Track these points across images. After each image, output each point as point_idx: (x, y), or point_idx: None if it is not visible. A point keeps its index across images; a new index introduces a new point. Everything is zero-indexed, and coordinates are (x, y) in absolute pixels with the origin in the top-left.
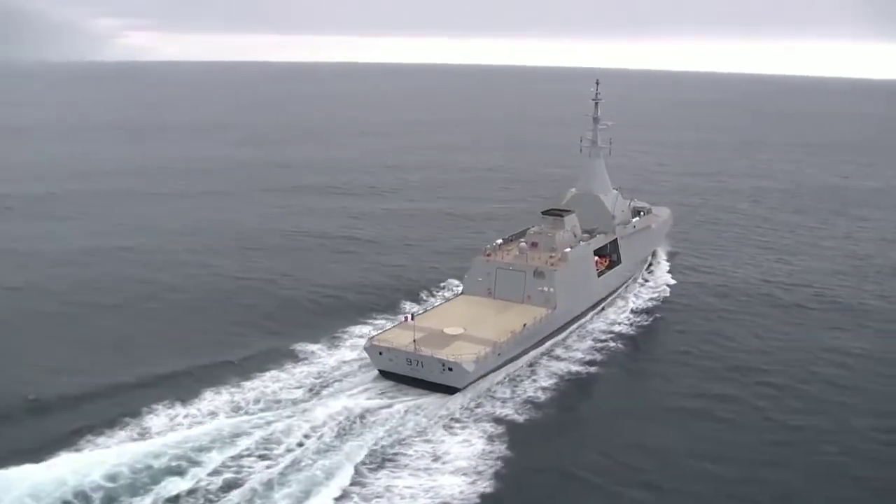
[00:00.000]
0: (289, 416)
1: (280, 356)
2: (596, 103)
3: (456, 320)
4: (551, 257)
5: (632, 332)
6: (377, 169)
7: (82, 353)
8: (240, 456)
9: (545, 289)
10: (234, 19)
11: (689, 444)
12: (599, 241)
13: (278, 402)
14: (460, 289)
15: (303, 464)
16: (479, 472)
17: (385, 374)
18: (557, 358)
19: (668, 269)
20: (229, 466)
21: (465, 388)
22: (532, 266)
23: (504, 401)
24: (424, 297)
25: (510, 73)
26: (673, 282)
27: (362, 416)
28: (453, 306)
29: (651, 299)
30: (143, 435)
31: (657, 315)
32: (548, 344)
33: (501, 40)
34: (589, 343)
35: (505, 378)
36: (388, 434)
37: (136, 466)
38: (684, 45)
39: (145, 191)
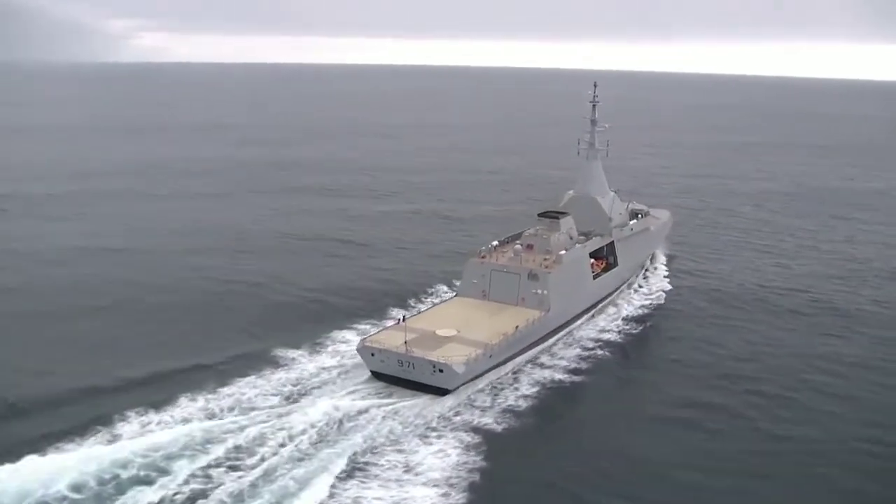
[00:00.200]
0: (263, 422)
1: (260, 361)
2: (593, 105)
3: (449, 322)
4: (545, 259)
5: (620, 340)
6: (377, 170)
7: (60, 355)
8: (211, 465)
9: (539, 291)
10: (246, 21)
11: (674, 454)
12: (595, 243)
13: (253, 408)
14: (450, 294)
15: (277, 473)
16: (452, 485)
17: (377, 376)
18: (542, 365)
19: (664, 273)
20: (199, 476)
21: (455, 389)
22: (526, 268)
23: (483, 409)
24: (412, 304)
25: (514, 74)
26: (669, 287)
27: (340, 423)
28: (447, 308)
29: (643, 306)
30: (113, 442)
31: (649, 322)
32: (541, 346)
33: (506, 42)
34: (576, 351)
35: (497, 380)
36: (365, 441)
37: (102, 477)
38: (689, 47)
39: (142, 191)
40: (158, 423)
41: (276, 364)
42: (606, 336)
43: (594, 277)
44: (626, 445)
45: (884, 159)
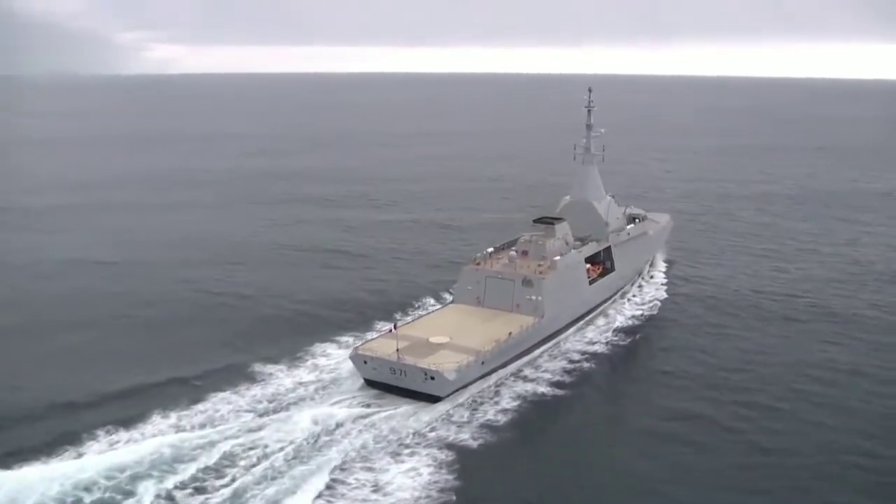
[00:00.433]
0: (234, 438)
1: (238, 376)
2: (589, 111)
3: (443, 329)
4: (540, 265)
5: (608, 352)
6: (376, 180)
7: (36, 369)
8: (177, 487)
9: (533, 297)
10: (254, 32)
11: (659, 469)
12: (591, 248)
13: (226, 425)
14: (436, 307)
15: (248, 494)
16: None
17: (370, 383)
18: (525, 378)
19: (661, 281)
20: (164, 498)
21: (447, 396)
22: (520, 274)
23: (460, 424)
24: (399, 316)
25: (519, 80)
26: (664, 296)
27: (317, 438)
28: (442, 315)
29: (634, 317)
30: (79, 460)
31: (640, 333)
32: (536, 352)
33: (522, 49)
34: (561, 363)
35: (478, 392)
36: (340, 456)
37: (65, 500)
38: (693, 50)
39: (140, 203)
40: (128, 441)
41: (253, 379)
42: (594, 348)
43: (590, 283)
44: (610, 461)
45: (888, 160)
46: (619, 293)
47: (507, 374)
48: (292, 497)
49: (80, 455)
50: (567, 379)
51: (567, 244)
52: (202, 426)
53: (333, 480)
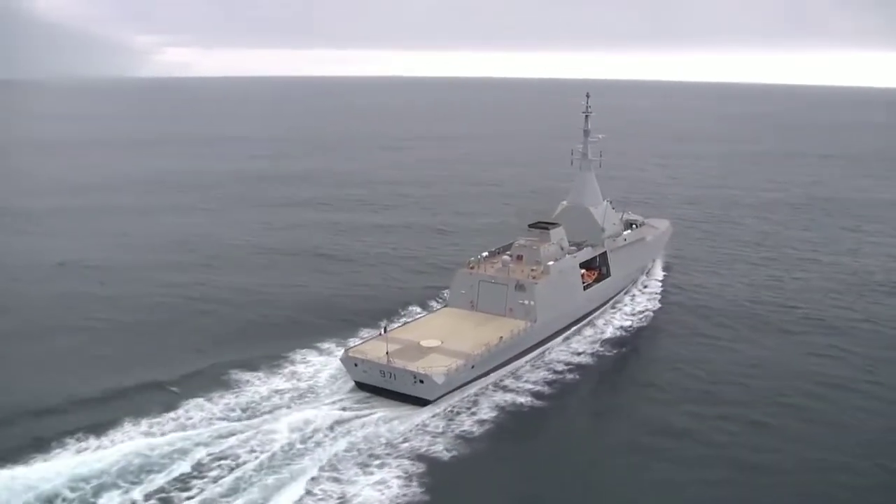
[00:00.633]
0: (205, 446)
1: (214, 383)
2: (586, 116)
3: (435, 333)
4: (533, 270)
5: (594, 363)
6: (375, 183)
7: (10, 374)
8: (145, 498)
9: (526, 302)
10: (267, 35)
11: (638, 484)
12: (586, 253)
13: (198, 433)
14: (423, 313)
15: None
16: None
17: (361, 386)
18: (505, 388)
19: (655, 290)
20: None
21: (435, 400)
22: (513, 279)
23: (435, 435)
24: (384, 322)
25: (535, 85)
26: (657, 306)
27: (290, 449)
28: (435, 319)
29: (622, 328)
30: (44, 469)
31: (629, 344)
32: (528, 357)
33: (541, 53)
34: (543, 374)
35: (479, 391)
36: (316, 464)
37: None
38: (703, 56)
39: (136, 206)
40: (97, 448)
41: (229, 386)
42: (579, 359)
43: (585, 288)
44: (588, 476)
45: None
46: (614, 299)
47: (498, 378)
48: None
49: (46, 462)
50: (548, 390)
51: (562, 249)
52: (174, 433)
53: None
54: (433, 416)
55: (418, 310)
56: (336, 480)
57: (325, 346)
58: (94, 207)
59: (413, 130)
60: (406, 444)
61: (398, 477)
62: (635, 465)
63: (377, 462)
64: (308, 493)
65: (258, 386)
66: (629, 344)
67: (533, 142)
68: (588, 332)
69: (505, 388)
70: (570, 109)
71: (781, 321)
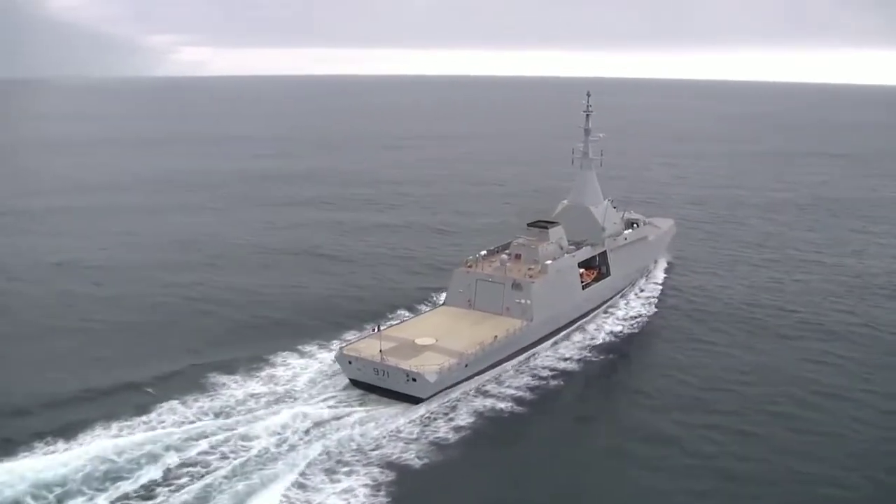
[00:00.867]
0: (177, 451)
1: (189, 386)
2: (587, 115)
3: (431, 331)
4: (530, 269)
5: (580, 369)
6: (380, 182)
7: None
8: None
9: (522, 301)
10: (283, 34)
11: (617, 494)
12: (585, 252)
13: (167, 434)
14: (418, 314)
15: None
16: None
17: (355, 383)
18: (485, 394)
19: (651, 293)
20: None
21: (428, 398)
22: (510, 278)
23: (408, 441)
24: (370, 322)
25: (548, 84)
26: (654, 311)
27: (264, 452)
28: (432, 317)
29: (612, 333)
30: (9, 475)
31: (619, 348)
32: (524, 356)
33: (552, 52)
34: (526, 380)
35: (472, 389)
36: (292, 470)
37: None
38: (716, 55)
39: (141, 206)
40: (65, 451)
41: (203, 389)
42: (565, 365)
43: (584, 287)
44: (566, 484)
45: None
46: (614, 298)
47: (492, 377)
48: None
49: (10, 463)
50: (530, 396)
51: (561, 248)
52: (143, 437)
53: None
54: (409, 422)
55: (406, 313)
56: (301, 487)
57: (308, 348)
58: (100, 207)
59: (420, 129)
60: (377, 452)
61: (365, 485)
62: (617, 473)
63: (345, 469)
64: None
65: (234, 389)
66: (620, 349)
67: (536, 141)
68: (577, 337)
69: (486, 394)
70: (572, 109)
71: (777, 325)
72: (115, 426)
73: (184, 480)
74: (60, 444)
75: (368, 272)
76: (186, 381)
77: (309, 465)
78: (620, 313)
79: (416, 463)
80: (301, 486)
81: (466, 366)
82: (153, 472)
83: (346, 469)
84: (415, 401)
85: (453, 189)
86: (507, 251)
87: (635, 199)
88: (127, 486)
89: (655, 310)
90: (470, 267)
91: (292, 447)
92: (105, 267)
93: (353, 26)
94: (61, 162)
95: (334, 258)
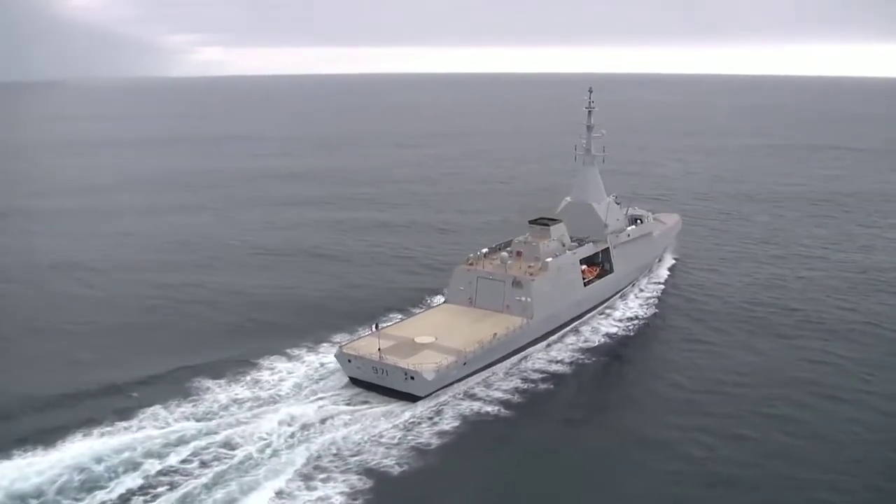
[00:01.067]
0: (157, 459)
1: (174, 390)
2: (589, 112)
3: (430, 329)
4: (531, 267)
5: (570, 371)
6: (386, 181)
7: None
8: None
9: (523, 298)
10: (301, 33)
11: (602, 500)
12: (587, 249)
13: (150, 442)
14: (418, 312)
15: None
16: None
17: (354, 382)
18: (473, 397)
19: (652, 293)
20: None
21: (426, 396)
22: (510, 275)
23: (389, 447)
24: (359, 329)
25: (572, 81)
26: (654, 311)
27: (249, 458)
28: (432, 315)
29: (607, 335)
30: None
31: (615, 348)
32: (524, 353)
33: (567, 48)
34: (515, 382)
35: (469, 388)
36: (275, 476)
37: None
38: (729, 50)
39: (142, 206)
40: (43, 456)
41: (186, 394)
42: (555, 368)
43: (586, 284)
44: (551, 489)
45: None
46: (615, 297)
47: (491, 374)
48: None
49: None
50: (518, 399)
51: (563, 245)
52: (123, 443)
53: None
54: (392, 427)
55: (398, 316)
56: (278, 494)
57: (297, 352)
58: (100, 207)
59: (436, 127)
60: (355, 458)
61: (342, 493)
62: (604, 478)
63: (322, 476)
64: None
65: (218, 393)
66: (614, 351)
67: (541, 139)
68: (571, 339)
69: (473, 397)
70: (575, 107)
71: (778, 324)
72: (95, 431)
73: (161, 490)
74: (39, 450)
75: (367, 273)
76: (172, 384)
77: (291, 472)
78: (617, 314)
79: (395, 469)
80: (277, 494)
81: (465, 364)
82: (131, 481)
83: (322, 475)
84: (413, 399)
85: (459, 188)
86: (508, 249)
87: (644, 195)
88: (104, 496)
89: (655, 310)
90: (471, 265)
91: (275, 452)
92: (99, 268)
93: (374, 26)
94: (64, 163)
95: (333, 258)
